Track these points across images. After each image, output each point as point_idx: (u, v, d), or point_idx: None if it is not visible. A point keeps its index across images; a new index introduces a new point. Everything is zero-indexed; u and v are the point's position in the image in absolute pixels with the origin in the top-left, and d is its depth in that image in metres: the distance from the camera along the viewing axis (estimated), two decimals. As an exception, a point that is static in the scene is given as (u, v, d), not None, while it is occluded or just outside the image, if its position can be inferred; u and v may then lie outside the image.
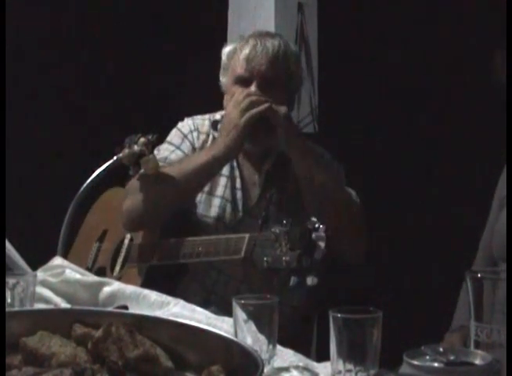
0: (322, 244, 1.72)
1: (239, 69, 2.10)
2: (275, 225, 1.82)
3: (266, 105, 2.01)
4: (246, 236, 1.91)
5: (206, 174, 2.09)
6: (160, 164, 2.11)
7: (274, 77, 2.09)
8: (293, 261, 1.73)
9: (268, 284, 2.07)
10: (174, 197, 2.09)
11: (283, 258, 1.75)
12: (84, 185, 2.24)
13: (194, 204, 2.19)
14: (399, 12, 3.16)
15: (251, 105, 2.02)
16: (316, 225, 1.73)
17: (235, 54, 2.14)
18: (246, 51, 2.10)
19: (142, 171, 2.06)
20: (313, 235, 1.72)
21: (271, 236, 1.80)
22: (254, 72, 2.08)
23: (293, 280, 1.73)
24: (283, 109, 2.04)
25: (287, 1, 3.04)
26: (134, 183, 2.12)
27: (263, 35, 2.17)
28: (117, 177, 2.31)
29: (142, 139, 2.05)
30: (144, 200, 2.08)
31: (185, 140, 2.22)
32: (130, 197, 2.13)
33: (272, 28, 2.93)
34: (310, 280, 1.70)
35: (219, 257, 1.99)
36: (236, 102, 2.04)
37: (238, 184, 2.18)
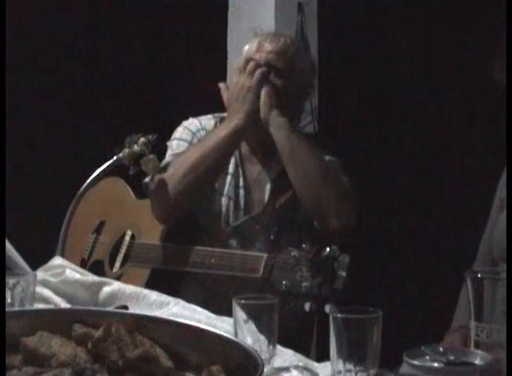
0: (343, 274, 1.71)
1: (251, 52, 2.17)
2: (290, 245, 1.82)
3: (266, 68, 2.10)
4: (264, 256, 1.91)
5: (230, 146, 2.10)
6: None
7: (277, 68, 2.12)
8: (313, 288, 1.72)
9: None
10: (202, 176, 2.07)
11: (303, 283, 1.74)
12: (84, 185, 2.24)
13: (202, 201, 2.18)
14: (399, 12, 3.16)
15: (257, 66, 2.09)
16: (337, 254, 1.73)
17: (252, 42, 2.21)
18: (260, 38, 2.19)
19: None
20: (335, 264, 1.72)
21: (290, 260, 1.79)
22: (262, 55, 2.14)
23: (308, 306, 1.72)
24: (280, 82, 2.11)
25: (287, 1, 3.04)
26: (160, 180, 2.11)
27: (281, 34, 2.28)
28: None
29: (142, 139, 2.05)
30: (174, 187, 2.07)
31: (195, 137, 2.22)
32: (158, 193, 2.11)
33: (272, 28, 2.93)
34: (328, 308, 1.69)
35: (234, 272, 1.99)
36: (240, 68, 2.10)
37: (241, 182, 2.19)
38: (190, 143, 2.21)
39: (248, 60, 2.11)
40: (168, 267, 2.09)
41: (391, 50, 3.18)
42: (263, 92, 2.08)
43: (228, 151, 2.11)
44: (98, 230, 2.33)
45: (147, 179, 2.14)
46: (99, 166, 2.21)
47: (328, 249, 1.73)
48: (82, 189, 2.23)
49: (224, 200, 2.17)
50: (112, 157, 2.14)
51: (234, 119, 2.08)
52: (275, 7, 2.99)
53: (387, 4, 3.18)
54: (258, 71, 2.09)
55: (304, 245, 1.80)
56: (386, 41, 3.18)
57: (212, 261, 2.01)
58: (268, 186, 2.18)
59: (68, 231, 2.34)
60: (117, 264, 2.22)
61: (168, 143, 2.24)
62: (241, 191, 2.18)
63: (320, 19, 3.13)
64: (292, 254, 1.79)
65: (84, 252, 2.30)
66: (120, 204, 2.33)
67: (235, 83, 2.12)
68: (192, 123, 2.26)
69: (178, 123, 2.30)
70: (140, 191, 2.28)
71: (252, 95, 2.07)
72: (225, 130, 2.07)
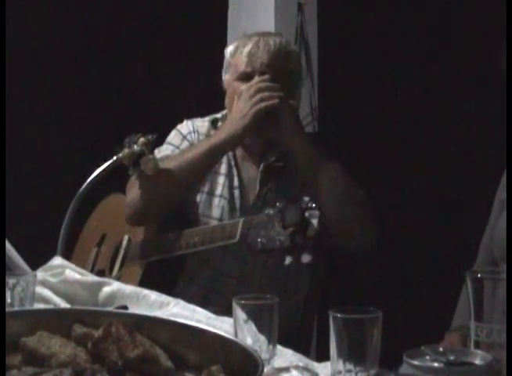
0: (315, 222, 1.73)
1: (242, 65, 2.12)
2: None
3: (277, 100, 2.03)
4: (241, 220, 1.93)
5: (206, 162, 2.09)
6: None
7: (275, 72, 2.10)
8: (286, 239, 1.74)
9: (265, 276, 2.09)
10: (174, 187, 2.08)
11: (277, 237, 1.75)
12: (84, 185, 2.24)
13: (195, 204, 2.19)
14: (399, 11, 3.16)
15: (262, 100, 2.03)
16: (309, 204, 1.74)
17: (237, 51, 2.15)
18: (248, 47, 2.12)
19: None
20: (306, 213, 1.73)
21: (264, 218, 1.81)
22: (256, 67, 2.10)
23: (288, 259, 1.74)
24: (293, 104, 2.09)
25: (287, 1, 3.05)
26: (134, 179, 2.12)
27: (265, 34, 2.21)
28: (116, 177, 2.31)
29: (142, 139, 2.05)
30: (144, 193, 2.07)
31: (185, 140, 2.23)
32: (131, 190, 2.13)
33: (272, 28, 2.94)
34: (305, 258, 1.72)
35: (215, 244, 2.00)
36: (248, 96, 2.04)
37: (236, 182, 2.19)
38: (178, 147, 2.22)
39: (257, 92, 2.04)
40: (160, 257, 2.10)
41: (391, 49, 3.18)
42: (283, 116, 2.04)
43: (205, 165, 2.10)
44: (99, 243, 2.35)
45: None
46: (99, 166, 2.21)
47: (299, 201, 1.75)
48: (82, 188, 2.23)
49: (217, 201, 2.17)
50: (112, 157, 2.14)
51: (217, 137, 2.07)
52: (275, 7, 2.99)
53: (387, 3, 3.18)
54: (258, 106, 2.03)
55: (278, 203, 1.81)
56: (386, 41, 3.18)
57: (196, 239, 2.02)
58: (258, 178, 2.18)
59: (72, 239, 2.37)
60: (116, 268, 2.24)
61: (160, 147, 2.24)
62: (236, 191, 2.18)
63: (320, 19, 3.13)
64: (266, 212, 1.81)
65: (86, 266, 2.32)
66: (119, 215, 2.34)
67: (237, 107, 2.07)
68: (184, 126, 2.27)
69: (177, 123, 2.30)
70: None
71: (242, 122, 2.03)
72: (205, 145, 2.07)
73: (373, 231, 2.08)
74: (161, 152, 2.21)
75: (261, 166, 2.19)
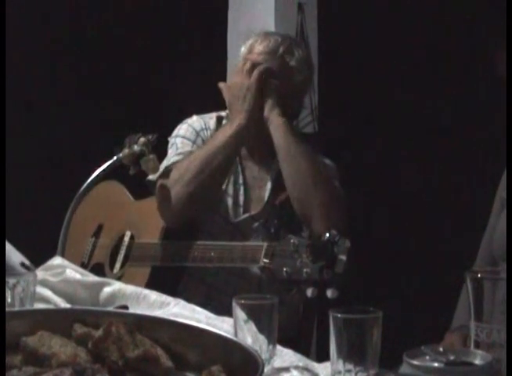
0: (343, 258, 1.72)
1: (242, 54, 2.19)
2: (289, 234, 1.82)
3: (267, 65, 2.12)
4: (264, 244, 1.90)
5: (235, 145, 2.11)
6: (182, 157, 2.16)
7: (273, 63, 2.14)
8: (314, 273, 1.72)
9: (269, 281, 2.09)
10: (209, 179, 2.08)
11: (304, 269, 1.74)
12: (84, 185, 2.24)
13: None
14: (399, 12, 3.16)
15: (254, 66, 2.11)
16: (337, 239, 1.73)
17: (245, 45, 2.22)
18: (250, 42, 2.20)
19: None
20: (335, 248, 1.72)
21: (290, 247, 1.79)
22: (252, 60, 2.15)
23: (311, 291, 1.73)
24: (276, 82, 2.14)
25: (287, 1, 3.05)
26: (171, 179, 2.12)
27: (273, 33, 2.29)
28: (117, 177, 2.31)
29: (142, 139, 2.05)
30: (181, 194, 2.07)
31: (199, 137, 2.24)
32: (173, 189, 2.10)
33: (272, 28, 2.94)
34: (330, 293, 1.70)
35: (235, 264, 1.99)
36: (238, 68, 2.13)
37: (240, 179, 2.21)
38: (194, 143, 2.22)
39: (245, 61, 2.14)
40: (169, 264, 2.09)
41: (391, 49, 3.18)
42: (266, 92, 2.10)
43: (233, 150, 2.12)
44: (96, 234, 2.33)
45: (151, 177, 2.15)
46: (99, 166, 2.21)
47: (327, 234, 1.74)
48: (82, 189, 2.23)
49: (224, 197, 2.19)
50: (112, 157, 2.14)
51: (237, 119, 2.09)
52: (275, 7, 3.00)
53: (387, 3, 3.18)
54: (256, 71, 2.10)
55: (303, 233, 1.80)
56: (386, 41, 3.18)
57: (212, 254, 2.01)
58: (268, 185, 2.19)
59: (67, 234, 2.34)
60: (117, 265, 2.22)
61: (171, 139, 2.25)
62: (241, 188, 2.20)
63: (320, 19, 3.13)
64: (291, 241, 1.79)
65: (83, 256, 2.30)
66: (117, 206, 2.33)
67: (234, 83, 2.14)
68: (196, 122, 2.27)
69: (178, 123, 2.30)
70: (140, 191, 2.28)
71: (251, 94, 2.09)
72: (229, 130, 2.09)
73: (335, 222, 2.02)
74: (180, 147, 2.21)
75: (270, 174, 2.20)
